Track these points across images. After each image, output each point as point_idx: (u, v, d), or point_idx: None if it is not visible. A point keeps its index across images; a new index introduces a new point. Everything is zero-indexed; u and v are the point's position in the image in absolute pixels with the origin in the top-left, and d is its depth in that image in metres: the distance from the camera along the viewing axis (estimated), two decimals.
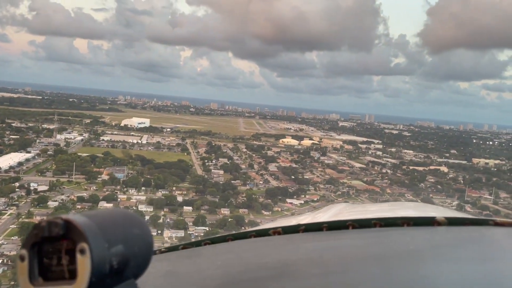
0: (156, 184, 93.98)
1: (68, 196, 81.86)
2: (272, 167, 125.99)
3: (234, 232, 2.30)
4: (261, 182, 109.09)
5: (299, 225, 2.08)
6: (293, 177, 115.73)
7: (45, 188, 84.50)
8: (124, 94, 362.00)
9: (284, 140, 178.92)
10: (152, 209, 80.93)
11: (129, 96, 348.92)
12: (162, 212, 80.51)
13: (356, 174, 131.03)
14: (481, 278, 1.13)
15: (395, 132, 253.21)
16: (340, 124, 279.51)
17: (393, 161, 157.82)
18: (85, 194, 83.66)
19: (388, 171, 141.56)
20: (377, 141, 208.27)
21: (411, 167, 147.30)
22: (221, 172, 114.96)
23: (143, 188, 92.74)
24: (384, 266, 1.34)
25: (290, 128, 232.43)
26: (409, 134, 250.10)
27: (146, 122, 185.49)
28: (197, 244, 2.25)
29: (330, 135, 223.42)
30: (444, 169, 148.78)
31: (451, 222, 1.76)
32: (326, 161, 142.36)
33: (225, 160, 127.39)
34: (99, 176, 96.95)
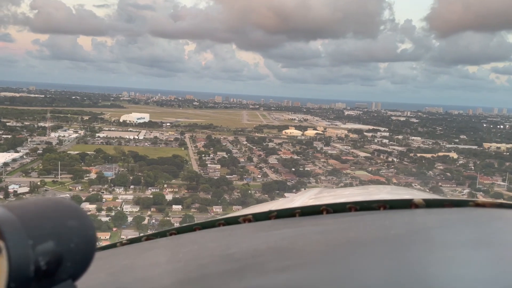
0: (146, 181, 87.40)
1: None
2: (272, 159, 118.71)
3: (202, 221, 2.13)
4: (259, 176, 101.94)
5: (270, 212, 1.94)
6: (293, 169, 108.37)
7: (26, 189, 78.47)
8: (129, 91, 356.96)
9: (287, 131, 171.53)
10: (138, 209, 74.40)
11: (134, 92, 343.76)
12: (149, 212, 73.97)
13: (361, 164, 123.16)
14: (466, 263, 1.06)
15: (402, 119, 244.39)
16: (346, 113, 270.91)
17: (399, 148, 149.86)
18: (67, 195, 77.41)
19: (395, 159, 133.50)
20: (384, 128, 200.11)
21: (418, 154, 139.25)
22: (218, 166, 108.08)
23: (131, 186, 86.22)
24: (361, 254, 1.20)
25: (295, 119, 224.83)
26: (417, 120, 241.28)
27: (146, 117, 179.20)
28: (162, 234, 2.07)
29: (335, 124, 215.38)
30: (453, 155, 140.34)
31: (429, 204, 1.68)
32: (329, 151, 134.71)
33: (224, 154, 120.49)
34: (87, 175, 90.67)
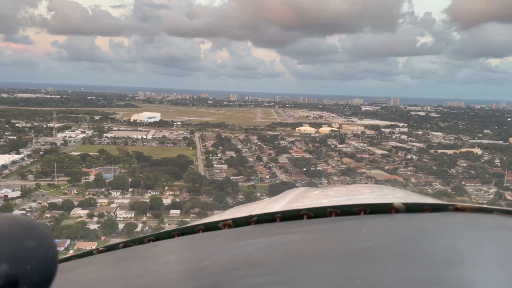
0: (146, 184, 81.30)
1: (40, 203, 70.26)
2: (282, 158, 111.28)
3: (182, 226, 2.03)
4: (268, 177, 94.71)
5: (250, 216, 1.88)
6: (304, 169, 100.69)
7: (17, 194, 73.30)
8: (145, 90, 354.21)
9: (300, 128, 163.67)
10: (133, 215, 68.24)
11: (149, 91, 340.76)
12: (144, 218, 67.73)
13: (377, 162, 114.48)
14: (436, 281, 0.98)
15: (422, 114, 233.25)
16: (364, 108, 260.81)
17: (419, 145, 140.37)
18: (60, 199, 71.83)
19: (414, 156, 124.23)
20: (402, 124, 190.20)
21: (439, 151, 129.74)
22: (225, 167, 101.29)
23: (130, 189, 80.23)
24: (335, 269, 1.15)
25: (309, 116, 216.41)
26: (438, 115, 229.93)
27: (157, 116, 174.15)
28: (140, 241, 1.98)
29: (351, 120, 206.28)
30: (477, 151, 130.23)
31: (409, 208, 1.64)
32: (344, 149, 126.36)
33: (232, 153, 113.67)
34: (85, 177, 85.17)
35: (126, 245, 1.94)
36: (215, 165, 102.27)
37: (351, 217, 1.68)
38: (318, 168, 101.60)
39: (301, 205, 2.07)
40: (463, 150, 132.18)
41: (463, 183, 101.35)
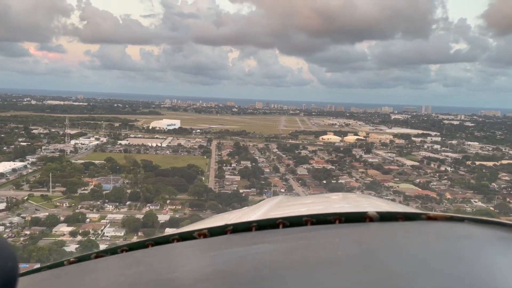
0: (146, 197, 71.98)
1: (24, 217, 61.99)
2: (301, 169, 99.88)
3: (157, 236, 1.96)
4: (283, 190, 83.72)
5: (226, 226, 1.84)
6: (324, 181, 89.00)
7: (3, 206, 65.44)
8: (173, 98, 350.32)
9: (324, 137, 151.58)
10: (122, 234, 58.75)
11: (176, 99, 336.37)
12: (134, 238, 58.02)
13: (407, 174, 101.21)
14: None
15: (455, 122, 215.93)
16: (393, 117, 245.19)
17: (454, 155, 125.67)
18: (47, 213, 63.33)
19: (448, 168, 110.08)
20: (435, 133, 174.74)
21: (477, 162, 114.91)
22: (237, 178, 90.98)
23: (128, 202, 71.08)
24: (305, 279, 1.13)
25: (335, 124, 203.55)
26: (472, 124, 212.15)
27: (176, 124, 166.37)
28: (113, 251, 1.89)
29: (379, 129, 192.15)
30: None
31: (383, 217, 1.65)
32: (370, 160, 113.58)
33: (248, 163, 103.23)
34: (84, 188, 76.83)
35: (98, 255, 1.85)
36: (226, 176, 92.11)
37: (326, 226, 1.67)
38: (339, 181, 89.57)
39: (279, 213, 2.04)
40: (504, 162, 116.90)
41: (508, 199, 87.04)
